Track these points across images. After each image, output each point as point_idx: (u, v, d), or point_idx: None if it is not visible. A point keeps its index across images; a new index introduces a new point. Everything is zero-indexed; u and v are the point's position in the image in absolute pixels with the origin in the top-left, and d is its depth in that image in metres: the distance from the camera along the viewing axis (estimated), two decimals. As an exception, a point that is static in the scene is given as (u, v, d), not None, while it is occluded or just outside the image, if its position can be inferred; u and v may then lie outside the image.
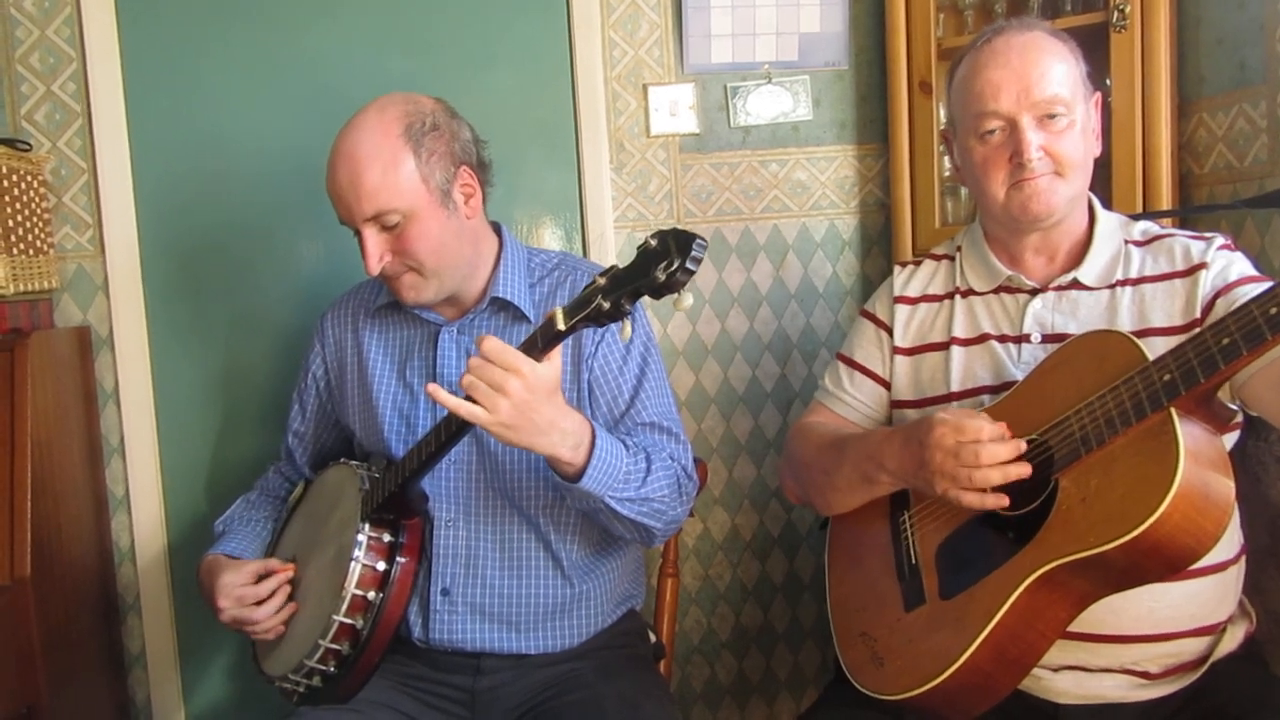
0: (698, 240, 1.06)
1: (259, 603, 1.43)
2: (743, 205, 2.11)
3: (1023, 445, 1.17)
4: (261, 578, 1.45)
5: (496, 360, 1.18)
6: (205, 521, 1.86)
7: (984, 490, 1.18)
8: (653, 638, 1.65)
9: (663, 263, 1.06)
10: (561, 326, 1.16)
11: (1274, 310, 1.00)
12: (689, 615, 2.16)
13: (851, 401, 1.50)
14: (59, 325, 1.95)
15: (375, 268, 1.40)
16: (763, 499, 2.17)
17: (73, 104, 1.93)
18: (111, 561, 2.00)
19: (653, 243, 1.08)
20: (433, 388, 1.21)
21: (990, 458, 1.16)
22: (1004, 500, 1.18)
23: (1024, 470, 1.16)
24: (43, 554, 1.69)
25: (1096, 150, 1.36)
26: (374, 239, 1.39)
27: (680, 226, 1.09)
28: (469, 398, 1.20)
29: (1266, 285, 1.05)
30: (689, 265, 1.05)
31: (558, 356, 1.22)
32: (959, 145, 1.39)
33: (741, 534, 2.17)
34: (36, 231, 1.85)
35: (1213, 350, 1.04)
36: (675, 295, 1.08)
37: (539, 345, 1.19)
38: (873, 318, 1.51)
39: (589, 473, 1.29)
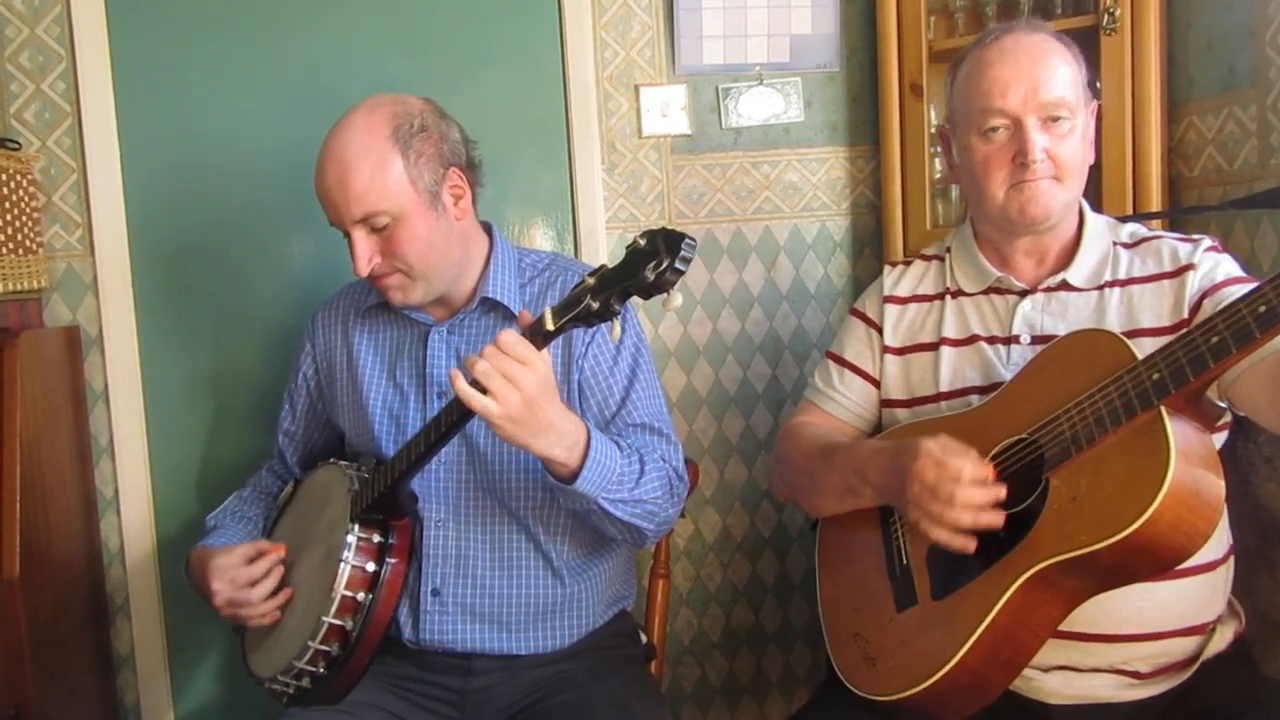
0: (686, 240, 1.05)
1: (253, 584, 1.42)
2: (734, 206, 2.11)
3: (1002, 493, 1.16)
4: (253, 562, 1.44)
5: (511, 352, 1.17)
6: (195, 522, 1.85)
7: (953, 530, 1.17)
8: (644, 638, 1.65)
9: (652, 262, 1.06)
10: (550, 326, 1.15)
11: (1263, 309, 1.00)
12: (680, 616, 2.16)
13: (841, 400, 1.50)
14: (48, 325, 1.94)
15: (364, 269, 1.39)
16: (754, 500, 2.17)
17: (62, 103, 1.92)
18: (100, 562, 1.99)
19: (642, 242, 1.08)
20: (453, 373, 1.20)
21: (965, 501, 1.15)
22: (971, 544, 1.16)
23: (996, 520, 1.15)
24: (31, 554, 1.68)
25: (1091, 158, 1.37)
26: (362, 241, 1.39)
27: (670, 227, 1.09)
28: (475, 384, 1.18)
29: (1254, 285, 1.06)
30: (678, 265, 1.05)
31: (548, 356, 1.21)
32: (959, 143, 1.39)
33: (733, 535, 2.17)
34: (26, 231, 1.84)
35: (1202, 349, 1.04)
36: (664, 295, 1.08)
37: (529, 345, 1.19)
38: (863, 316, 1.52)
39: (584, 474, 1.29)
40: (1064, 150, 1.30)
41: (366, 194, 1.35)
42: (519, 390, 1.17)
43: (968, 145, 1.36)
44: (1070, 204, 1.34)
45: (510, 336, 1.18)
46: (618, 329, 1.14)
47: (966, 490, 1.15)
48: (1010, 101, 1.30)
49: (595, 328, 1.41)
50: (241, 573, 1.42)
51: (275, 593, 1.44)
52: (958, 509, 1.15)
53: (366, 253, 1.39)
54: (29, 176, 1.87)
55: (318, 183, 1.39)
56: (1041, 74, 1.29)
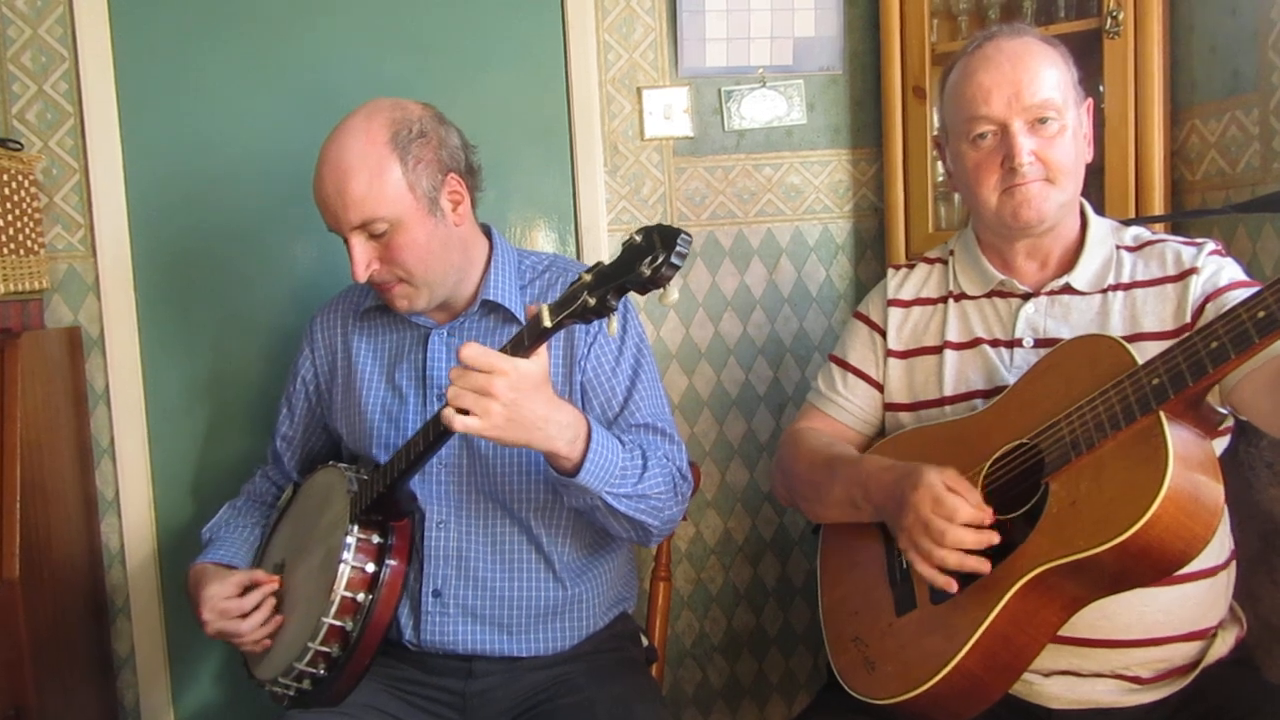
0: (682, 235, 1.05)
1: (244, 615, 1.42)
2: (736, 209, 2.11)
3: (995, 539, 1.16)
4: (247, 590, 1.45)
5: (477, 365, 1.17)
6: (195, 524, 1.86)
7: (937, 567, 1.17)
8: (645, 641, 1.65)
9: (648, 258, 1.06)
10: (548, 323, 1.15)
11: (1261, 314, 1.00)
12: (681, 619, 2.16)
13: (845, 404, 1.50)
14: (49, 326, 1.94)
15: (363, 275, 1.39)
16: (755, 503, 2.16)
17: (64, 104, 1.93)
18: (101, 563, 1.99)
19: (638, 238, 1.08)
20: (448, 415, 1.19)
21: (954, 541, 1.15)
22: (952, 585, 1.17)
23: (981, 566, 1.15)
24: (32, 556, 1.69)
25: (1088, 156, 1.37)
26: (361, 247, 1.38)
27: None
28: (459, 409, 1.19)
29: (1256, 290, 1.05)
30: (674, 260, 1.05)
31: (544, 353, 1.21)
32: (951, 151, 1.40)
33: (734, 538, 2.17)
34: (27, 231, 1.84)
35: (1201, 354, 1.04)
36: (661, 290, 1.08)
37: (525, 343, 1.19)
38: (866, 320, 1.51)
39: (586, 466, 1.29)
40: (1054, 152, 1.30)
41: (364, 200, 1.35)
42: (495, 399, 1.17)
43: (959, 153, 1.36)
44: (1066, 205, 1.34)
45: (471, 350, 1.17)
46: (615, 325, 1.14)
47: (957, 532, 1.15)
48: (994, 107, 1.30)
49: (593, 325, 1.41)
50: (232, 604, 1.42)
51: (266, 620, 1.44)
52: (945, 549, 1.16)
53: (365, 259, 1.39)
54: (30, 177, 1.87)
55: (316, 189, 1.39)
56: (1024, 77, 1.29)
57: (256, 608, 1.43)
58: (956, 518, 1.15)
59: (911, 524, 1.19)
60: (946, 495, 1.17)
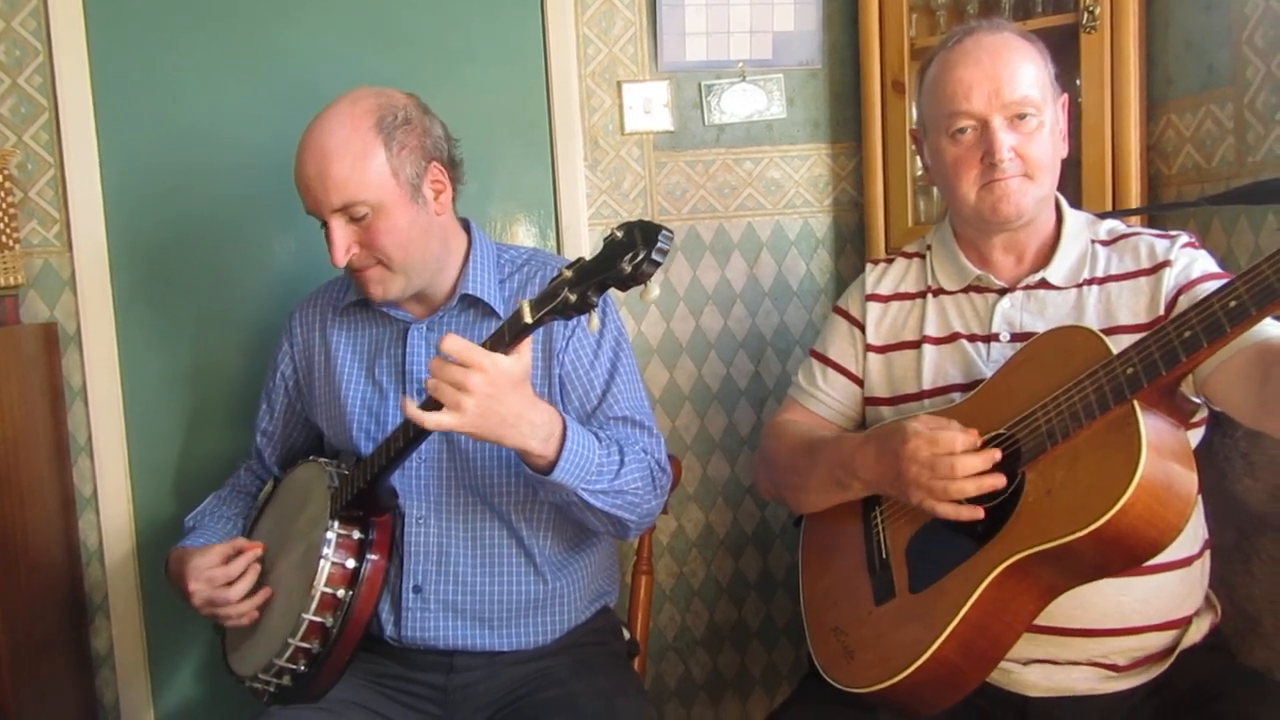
0: (663, 232, 1.06)
1: (230, 584, 1.42)
2: (717, 203, 2.11)
3: (997, 455, 1.18)
4: (230, 561, 1.44)
5: (457, 358, 1.18)
6: (174, 520, 1.85)
7: (959, 502, 1.18)
8: (627, 635, 1.65)
9: (629, 254, 1.06)
10: (528, 319, 1.15)
11: (1233, 303, 1.01)
12: (663, 612, 2.16)
13: (825, 398, 1.50)
14: (25, 322, 1.92)
15: (342, 259, 1.39)
16: (737, 496, 2.17)
17: (39, 97, 1.91)
18: (79, 561, 1.97)
19: (619, 234, 1.08)
20: (405, 404, 1.21)
21: (965, 470, 1.17)
22: (979, 513, 1.18)
23: (998, 481, 1.17)
24: (8, 554, 1.68)
25: (1064, 152, 1.38)
26: (341, 230, 1.38)
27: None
28: (434, 400, 1.19)
29: (1227, 280, 1.06)
30: (655, 257, 1.05)
31: (527, 350, 1.21)
32: (930, 145, 1.40)
33: (715, 531, 2.17)
34: (2, 227, 1.82)
35: (1174, 343, 1.05)
36: (642, 287, 1.08)
37: (506, 339, 1.19)
38: (846, 314, 1.52)
39: (561, 465, 1.29)
40: (1032, 147, 1.31)
41: (347, 183, 1.35)
42: (470, 394, 1.17)
43: (938, 147, 1.37)
44: (1043, 200, 1.35)
45: (452, 343, 1.18)
46: (595, 321, 1.15)
47: (964, 460, 1.17)
48: (974, 103, 1.30)
49: (573, 320, 1.41)
50: (218, 572, 1.42)
51: (254, 592, 1.43)
52: (960, 480, 1.17)
53: (344, 243, 1.38)
54: (5, 172, 1.85)
55: (297, 171, 1.39)
56: (1004, 73, 1.30)
57: (243, 575, 1.43)
58: (956, 448, 1.17)
59: (916, 473, 1.20)
60: (940, 433, 1.19)
